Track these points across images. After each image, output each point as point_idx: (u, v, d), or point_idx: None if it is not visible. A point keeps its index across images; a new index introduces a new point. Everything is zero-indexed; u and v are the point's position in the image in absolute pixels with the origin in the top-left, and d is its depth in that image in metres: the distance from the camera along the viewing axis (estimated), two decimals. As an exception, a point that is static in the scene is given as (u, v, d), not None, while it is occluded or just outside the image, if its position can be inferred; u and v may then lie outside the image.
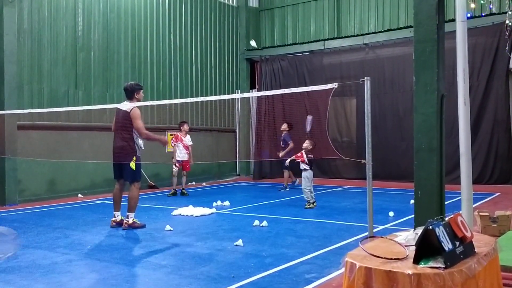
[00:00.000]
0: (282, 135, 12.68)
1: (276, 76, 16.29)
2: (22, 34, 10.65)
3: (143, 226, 7.46)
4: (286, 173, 12.61)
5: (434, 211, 4.72)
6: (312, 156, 9.50)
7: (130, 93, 7.62)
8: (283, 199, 10.90)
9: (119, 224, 7.50)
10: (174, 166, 11.70)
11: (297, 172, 10.74)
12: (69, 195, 11.30)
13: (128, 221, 7.36)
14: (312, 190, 9.52)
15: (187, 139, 11.71)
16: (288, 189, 12.40)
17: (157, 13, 13.92)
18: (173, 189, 11.68)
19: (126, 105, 7.51)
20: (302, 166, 9.43)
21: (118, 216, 7.57)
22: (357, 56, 14.79)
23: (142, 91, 7.81)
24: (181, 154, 11.63)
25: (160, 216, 8.54)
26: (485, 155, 12.59)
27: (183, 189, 11.73)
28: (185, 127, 11.78)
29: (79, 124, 11.62)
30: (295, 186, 12.69)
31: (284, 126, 12.73)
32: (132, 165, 7.34)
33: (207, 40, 15.66)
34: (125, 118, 7.41)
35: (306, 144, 9.52)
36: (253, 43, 14.29)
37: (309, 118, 11.44)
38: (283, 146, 12.49)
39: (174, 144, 11.68)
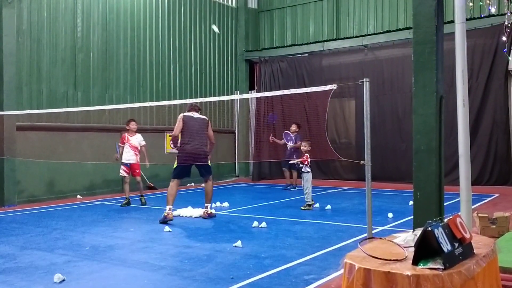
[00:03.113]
0: (292, 135, 12.71)
1: (275, 77, 16.30)
2: (21, 35, 10.65)
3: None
4: (294, 173, 12.83)
5: (433, 212, 4.71)
6: (311, 157, 9.52)
7: (198, 109, 8.62)
8: (282, 200, 10.90)
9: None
10: (121, 171, 10.09)
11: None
12: (68, 196, 11.30)
13: (209, 211, 8.48)
14: (311, 192, 9.54)
15: (136, 139, 10.07)
16: (292, 190, 12.62)
17: (157, 14, 13.93)
18: (126, 197, 10.00)
19: (199, 115, 8.50)
20: (305, 168, 9.43)
21: (168, 208, 7.99)
22: (356, 58, 14.81)
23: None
24: (128, 156, 9.99)
25: (159, 217, 8.52)
26: (484, 156, 12.60)
27: (142, 195, 10.20)
28: (131, 125, 10.15)
29: (78, 125, 11.62)
30: (288, 188, 12.90)
31: (294, 128, 12.77)
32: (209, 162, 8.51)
33: (206, 41, 15.67)
34: (202, 126, 8.47)
35: (306, 147, 9.53)
36: (215, 28, 13.00)
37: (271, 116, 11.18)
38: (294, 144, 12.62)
39: (121, 145, 10.09)
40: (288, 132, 12.74)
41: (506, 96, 12.54)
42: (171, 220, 7.89)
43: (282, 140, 12.90)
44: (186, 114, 8.45)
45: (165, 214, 7.92)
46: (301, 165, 9.48)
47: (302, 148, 9.61)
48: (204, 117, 8.63)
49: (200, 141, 8.34)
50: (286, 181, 13.29)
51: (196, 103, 9.06)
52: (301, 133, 12.91)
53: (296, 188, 12.62)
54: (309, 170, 9.45)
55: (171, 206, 8.00)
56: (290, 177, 13.06)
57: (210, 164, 8.54)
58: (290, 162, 10.92)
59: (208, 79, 15.77)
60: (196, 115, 8.46)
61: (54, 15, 11.30)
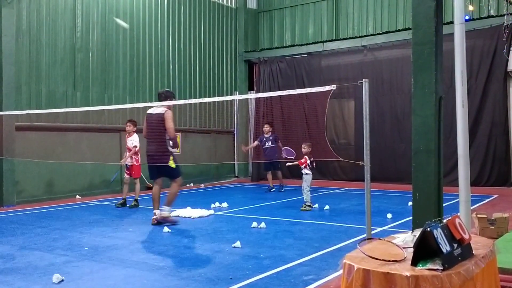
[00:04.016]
0: (268, 136, 12.52)
1: (275, 77, 16.30)
2: (21, 35, 10.64)
3: (175, 222, 7.79)
4: (269, 175, 12.62)
5: (432, 213, 4.72)
6: (313, 158, 9.50)
7: (164, 99, 7.89)
8: (281, 200, 10.90)
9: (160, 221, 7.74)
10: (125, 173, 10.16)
11: (297, 174, 10.71)
12: (67, 196, 11.29)
13: (162, 213, 7.75)
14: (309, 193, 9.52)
15: (130, 141, 9.90)
16: (274, 190, 12.44)
17: (156, 14, 13.93)
18: (123, 198, 9.98)
19: (158, 108, 7.82)
20: (305, 170, 9.42)
21: (158, 213, 7.75)
22: (355, 58, 14.82)
23: (174, 99, 8.26)
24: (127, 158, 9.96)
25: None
26: (483, 157, 12.61)
27: (135, 199, 9.91)
28: (126, 127, 10.03)
29: (77, 125, 11.61)
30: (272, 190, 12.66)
31: (268, 128, 12.61)
32: (172, 164, 7.81)
33: (205, 41, 15.67)
34: (159, 121, 7.71)
35: (305, 149, 9.51)
36: (120, 22, 11.58)
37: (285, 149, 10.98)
38: (272, 146, 12.43)
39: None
40: (263, 134, 12.66)
41: (505, 97, 12.55)
42: (160, 223, 7.66)
43: (255, 142, 12.90)
44: (148, 111, 7.98)
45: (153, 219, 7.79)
46: (301, 167, 9.47)
47: (302, 150, 9.58)
48: (161, 111, 7.72)
49: (154, 140, 7.73)
50: (269, 183, 12.73)
51: (165, 90, 8.34)
52: (275, 133, 12.82)
53: (274, 189, 12.44)
54: (308, 172, 9.44)
55: (154, 211, 7.80)
56: (276, 178, 12.77)
57: (174, 166, 7.80)
58: (286, 164, 10.82)
59: (208, 79, 15.77)
60: (156, 109, 7.81)
61: (53, 15, 11.29)
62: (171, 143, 7.78)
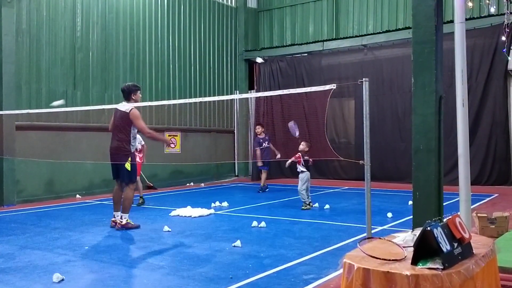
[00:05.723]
0: (260, 137, 12.47)
1: (275, 77, 16.30)
2: (21, 34, 10.64)
3: (137, 227, 7.46)
4: (264, 174, 12.58)
5: (432, 212, 4.71)
6: (308, 157, 9.48)
7: (127, 94, 7.61)
8: (282, 200, 10.90)
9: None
10: None
11: (295, 173, 10.68)
12: (67, 196, 11.29)
13: (121, 221, 7.37)
14: (309, 191, 9.51)
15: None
16: (267, 190, 12.35)
17: (156, 13, 13.92)
18: (140, 196, 10.17)
19: (124, 106, 7.48)
20: (299, 168, 9.44)
21: (117, 216, 7.51)
22: (356, 57, 14.81)
23: (139, 91, 7.79)
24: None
25: (158, 217, 8.54)
26: (484, 156, 12.61)
27: (140, 196, 10.12)
28: None
29: (77, 124, 11.61)
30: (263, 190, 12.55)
31: (260, 129, 12.53)
32: (127, 165, 7.34)
33: (205, 40, 15.67)
34: (122, 119, 7.40)
35: (303, 146, 9.51)
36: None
37: (291, 124, 10.57)
38: (268, 146, 12.40)
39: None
40: (258, 136, 12.57)
41: (505, 96, 12.55)
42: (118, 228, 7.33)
43: (258, 149, 12.54)
44: (117, 106, 7.67)
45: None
46: (295, 161, 9.47)
47: (299, 147, 9.59)
48: (127, 109, 7.33)
49: (116, 137, 7.37)
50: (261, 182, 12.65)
51: (127, 85, 7.73)
52: (268, 132, 12.80)
53: (267, 190, 12.34)
54: (303, 169, 9.43)
55: (114, 213, 7.52)
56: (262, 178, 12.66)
57: (130, 169, 7.33)
58: (286, 165, 10.71)
59: (208, 78, 15.76)
60: (123, 106, 7.44)
61: (53, 14, 11.28)
62: (137, 144, 7.40)
